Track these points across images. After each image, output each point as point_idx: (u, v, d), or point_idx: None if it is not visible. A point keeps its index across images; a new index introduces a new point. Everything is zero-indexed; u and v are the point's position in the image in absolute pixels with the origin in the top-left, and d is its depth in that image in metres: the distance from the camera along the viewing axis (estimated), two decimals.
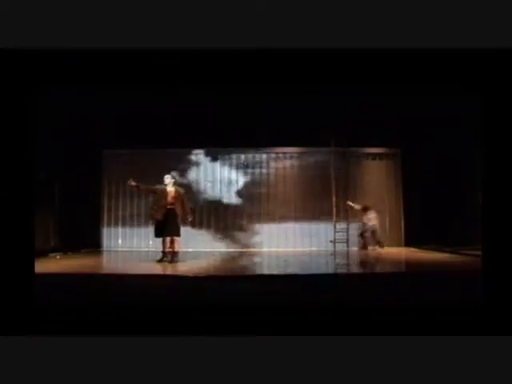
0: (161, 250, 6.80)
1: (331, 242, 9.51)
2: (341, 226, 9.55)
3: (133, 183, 6.68)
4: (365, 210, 9.07)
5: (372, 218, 9.01)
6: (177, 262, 6.53)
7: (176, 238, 6.61)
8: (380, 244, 9.11)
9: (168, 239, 6.68)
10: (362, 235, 9.21)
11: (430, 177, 8.80)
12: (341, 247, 8.94)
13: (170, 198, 6.58)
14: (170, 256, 6.61)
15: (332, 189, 9.46)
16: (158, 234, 6.67)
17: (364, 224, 9.11)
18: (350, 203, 9.20)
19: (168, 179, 6.71)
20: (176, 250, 6.62)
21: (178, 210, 6.57)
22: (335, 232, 9.56)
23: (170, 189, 6.67)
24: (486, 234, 3.30)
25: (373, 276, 5.63)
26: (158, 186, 6.71)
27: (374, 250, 9.01)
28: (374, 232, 9.08)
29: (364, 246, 9.13)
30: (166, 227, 6.52)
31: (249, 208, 9.86)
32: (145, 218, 9.62)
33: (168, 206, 6.54)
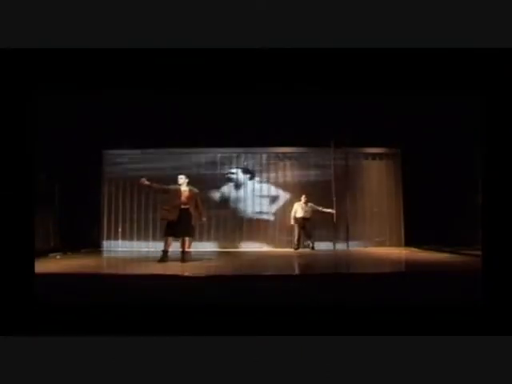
0: (162, 249, 6.71)
1: (331, 241, 9.54)
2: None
3: (146, 182, 6.59)
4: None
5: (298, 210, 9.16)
6: (188, 261, 6.54)
7: (188, 238, 6.62)
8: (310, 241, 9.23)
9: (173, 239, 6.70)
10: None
11: (430, 177, 8.79)
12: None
13: (183, 198, 6.56)
14: (182, 255, 6.60)
15: (332, 189, 9.47)
16: (170, 233, 6.58)
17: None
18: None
19: (182, 179, 6.69)
20: (187, 249, 6.66)
21: (192, 211, 6.56)
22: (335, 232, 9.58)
23: (184, 188, 6.65)
24: (486, 234, 3.30)
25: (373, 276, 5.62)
26: (172, 186, 6.68)
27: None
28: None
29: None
30: (180, 227, 6.49)
31: (248, 208, 9.86)
32: (145, 219, 9.66)
33: (182, 206, 6.52)
